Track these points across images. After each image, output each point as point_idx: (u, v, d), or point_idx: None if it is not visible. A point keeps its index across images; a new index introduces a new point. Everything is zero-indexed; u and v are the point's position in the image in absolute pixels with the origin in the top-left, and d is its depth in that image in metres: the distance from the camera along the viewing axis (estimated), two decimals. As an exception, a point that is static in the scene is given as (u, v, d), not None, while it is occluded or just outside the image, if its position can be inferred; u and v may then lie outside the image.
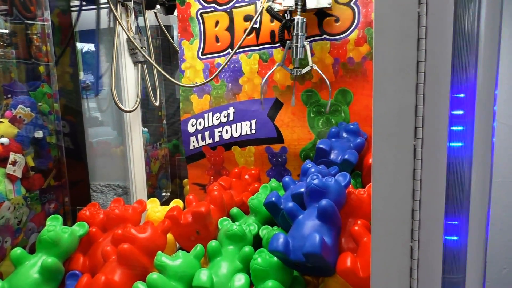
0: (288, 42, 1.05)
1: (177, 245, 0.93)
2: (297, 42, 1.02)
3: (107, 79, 1.33)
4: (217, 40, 1.20)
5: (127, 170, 1.32)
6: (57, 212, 1.23)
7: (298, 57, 1.03)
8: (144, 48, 1.26)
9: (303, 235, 0.67)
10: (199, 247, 0.78)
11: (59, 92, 1.26)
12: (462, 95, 0.48)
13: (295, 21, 1.01)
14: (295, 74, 1.07)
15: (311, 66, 1.06)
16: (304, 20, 1.02)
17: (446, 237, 0.49)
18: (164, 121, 1.84)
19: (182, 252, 0.77)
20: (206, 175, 1.27)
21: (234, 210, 0.96)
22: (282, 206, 0.83)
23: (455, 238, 0.50)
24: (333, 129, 1.06)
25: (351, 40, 1.10)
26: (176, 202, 0.98)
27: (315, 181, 0.72)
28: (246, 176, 1.14)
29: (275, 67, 1.07)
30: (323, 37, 1.10)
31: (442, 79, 0.46)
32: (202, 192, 1.28)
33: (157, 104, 1.33)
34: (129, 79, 1.24)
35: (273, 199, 0.84)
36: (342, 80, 1.13)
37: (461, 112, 0.48)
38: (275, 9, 1.05)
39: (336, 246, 0.69)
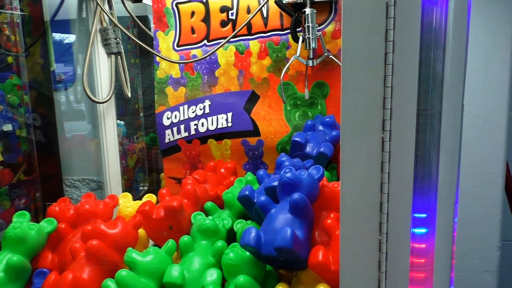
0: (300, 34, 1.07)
1: (150, 241, 0.92)
2: (309, 34, 1.03)
3: (81, 70, 1.30)
4: (193, 31, 1.18)
5: (101, 164, 1.29)
6: (28, 208, 1.19)
7: (312, 47, 1.04)
8: (118, 39, 1.23)
9: (275, 229, 0.66)
10: (170, 242, 0.77)
11: (30, 84, 1.22)
12: (429, 87, 0.48)
13: (306, 13, 1.03)
14: (311, 65, 1.07)
15: (326, 55, 1.07)
16: (315, 11, 1.03)
17: (413, 230, 0.49)
18: (141, 114, 1.81)
19: (154, 248, 0.76)
20: (182, 169, 1.25)
21: (208, 204, 0.95)
22: (255, 200, 0.82)
23: (423, 230, 0.49)
24: (309, 122, 1.06)
25: (327, 32, 1.10)
26: (149, 197, 0.96)
27: (288, 175, 0.72)
28: (222, 170, 1.13)
29: (291, 60, 1.06)
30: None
31: (410, 72, 0.46)
32: (178, 186, 1.26)
33: (130, 95, 1.30)
34: (103, 70, 1.21)
35: (247, 193, 0.83)
36: (318, 72, 1.13)
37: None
38: (284, 1, 1.07)
39: (308, 239, 0.68)
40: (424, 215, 0.49)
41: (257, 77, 1.16)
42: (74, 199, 1.37)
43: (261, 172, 0.89)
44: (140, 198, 1.78)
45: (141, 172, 1.82)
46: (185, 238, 0.78)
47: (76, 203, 1.07)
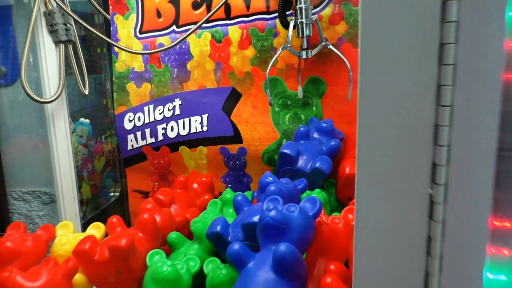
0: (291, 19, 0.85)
1: None
2: (302, 18, 0.82)
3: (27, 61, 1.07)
4: (159, 14, 0.96)
5: (52, 174, 1.08)
6: (-42, 230, 0.98)
7: (306, 34, 0.83)
8: (69, 25, 1.00)
9: (252, 296, 0.46)
10: (112, 301, 0.56)
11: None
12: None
13: None
14: (304, 56, 0.86)
15: (324, 45, 0.85)
16: None
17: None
18: (111, 111, 1.59)
19: (87, 310, 0.55)
20: (149, 181, 1.04)
21: (173, 236, 0.74)
22: (230, 239, 0.62)
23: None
24: (302, 128, 0.85)
25: (324, 16, 0.88)
26: (95, 227, 0.75)
27: (272, 213, 0.51)
28: (195, 185, 0.92)
29: (280, 50, 0.85)
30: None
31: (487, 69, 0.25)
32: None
33: (87, 92, 1.08)
34: (50, 63, 0.99)
35: (218, 229, 0.62)
36: (313, 66, 0.92)
37: None
38: None
39: (299, 309, 0.48)
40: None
41: (238, 71, 0.95)
42: (24, 214, 1.16)
43: (239, 197, 0.68)
44: (108, 208, 1.58)
45: (111, 177, 1.61)
46: (132, 295, 0.57)
47: (25, 220, 0.86)
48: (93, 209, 1.48)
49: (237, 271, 0.52)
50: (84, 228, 1.03)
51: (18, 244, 0.67)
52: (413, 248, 0.32)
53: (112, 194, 1.64)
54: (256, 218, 0.57)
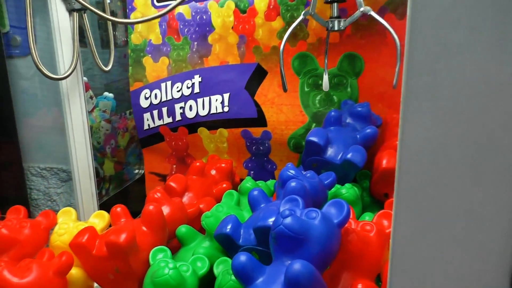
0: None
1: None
2: None
3: (41, 32, 1.01)
4: (178, -20, 0.86)
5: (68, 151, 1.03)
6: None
7: None
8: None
9: (257, 322, 0.38)
10: (103, 306, 0.50)
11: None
12: None
13: None
14: (335, 28, 0.70)
15: (363, 11, 0.67)
16: None
17: None
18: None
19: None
20: (166, 163, 0.97)
21: (182, 229, 0.66)
22: (240, 242, 0.53)
23: None
24: (333, 113, 0.74)
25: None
26: (99, 216, 0.69)
27: (288, 221, 0.42)
28: (213, 171, 0.84)
29: (301, 17, 0.70)
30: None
31: None
32: (162, 185, 0.98)
33: (107, 68, 1.01)
34: (64, 34, 0.92)
35: (228, 229, 0.54)
36: (349, 41, 0.80)
37: None
38: None
39: None
40: None
41: (264, 45, 0.84)
42: (42, 191, 1.13)
43: (255, 192, 0.59)
44: (132, 185, 1.54)
45: (135, 154, 1.56)
46: (127, 300, 0.50)
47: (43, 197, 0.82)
48: (117, 186, 1.45)
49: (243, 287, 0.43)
50: (102, 208, 0.99)
51: (15, 231, 0.62)
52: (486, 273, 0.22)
53: (136, 171, 1.60)
54: (271, 221, 0.48)
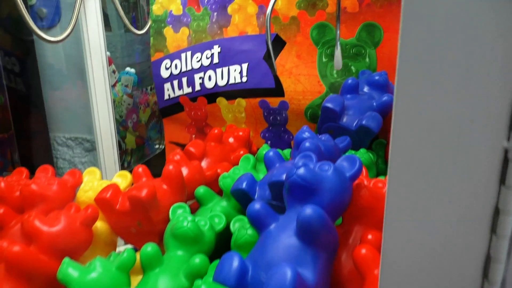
0: None
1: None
2: None
3: (65, 4, 1.04)
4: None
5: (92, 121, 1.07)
6: (3, 170, 1.00)
7: None
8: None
9: (270, 262, 0.40)
10: (126, 253, 0.53)
11: (3, 20, 0.99)
12: None
13: None
14: None
15: None
16: None
17: None
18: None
19: (101, 261, 0.52)
20: (186, 133, 1.00)
21: (201, 190, 0.69)
22: (256, 197, 0.55)
23: None
24: (350, 81, 0.75)
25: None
26: (121, 176, 0.72)
27: (300, 171, 0.44)
28: (231, 139, 0.86)
29: None
30: None
31: None
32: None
33: (143, 31, 1.03)
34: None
35: (244, 186, 0.56)
36: (369, 10, 0.80)
37: None
38: None
39: (324, 283, 0.41)
40: None
41: (283, 15, 0.85)
42: (67, 160, 1.18)
43: (270, 153, 0.61)
44: (152, 159, 1.58)
45: (156, 128, 1.60)
46: (148, 248, 0.53)
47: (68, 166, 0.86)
48: (138, 160, 1.49)
49: (258, 234, 0.46)
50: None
51: (43, 187, 0.65)
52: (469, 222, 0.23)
53: (157, 146, 1.64)
54: (285, 176, 0.50)
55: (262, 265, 0.41)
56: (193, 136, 1.00)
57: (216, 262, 0.50)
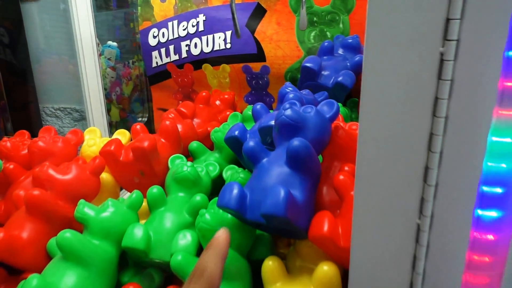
0: None
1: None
2: None
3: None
4: None
5: (82, 92, 1.11)
6: (-4, 139, 1.04)
7: None
8: None
9: (265, 187, 0.48)
10: (135, 194, 0.60)
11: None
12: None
13: None
14: None
15: None
16: None
17: (478, 212, 0.30)
18: (138, 35, 1.59)
19: (113, 201, 0.59)
20: (173, 100, 1.06)
21: (194, 145, 0.76)
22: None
23: (494, 214, 0.30)
24: (326, 44, 0.83)
25: None
26: (120, 133, 0.78)
27: (287, 112, 0.51)
28: (217, 102, 0.93)
29: None
30: None
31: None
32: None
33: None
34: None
35: (236, 133, 0.63)
36: (342, -21, 0.87)
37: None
38: None
39: (310, 203, 0.49)
40: (499, 190, 0.29)
41: (263, -16, 0.91)
42: (56, 130, 1.21)
43: (258, 106, 0.68)
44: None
45: (138, 101, 1.64)
46: (154, 190, 0.60)
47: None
48: (122, 132, 1.53)
49: (252, 167, 0.53)
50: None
51: (49, 144, 0.71)
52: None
53: (140, 119, 1.68)
54: (272, 122, 0.58)
55: (258, 190, 0.48)
56: (180, 102, 1.06)
57: (215, 198, 0.58)
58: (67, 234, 0.52)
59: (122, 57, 1.50)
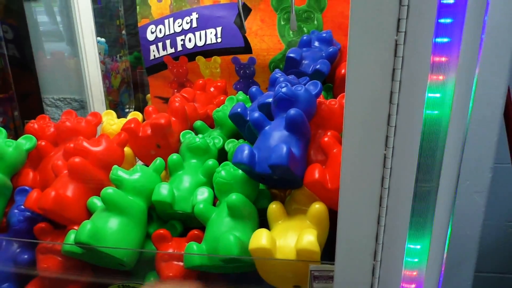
0: None
1: (139, 161, 0.88)
2: None
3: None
4: None
5: (83, 82, 1.22)
6: (6, 127, 1.13)
7: None
8: None
9: (270, 146, 0.63)
10: (158, 160, 0.73)
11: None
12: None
13: None
14: None
15: None
16: None
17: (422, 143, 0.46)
18: (124, 32, 1.69)
19: (141, 166, 0.72)
20: (169, 88, 1.19)
21: (198, 123, 0.90)
22: (248, 118, 0.78)
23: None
24: (305, 37, 0.98)
25: None
26: (134, 115, 0.91)
27: (284, 90, 0.66)
28: (212, 89, 1.07)
29: None
30: None
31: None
32: (165, 106, 1.20)
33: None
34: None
35: (239, 110, 0.78)
36: (316, -17, 1.03)
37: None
38: None
39: (304, 157, 0.65)
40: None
41: (249, -13, 1.06)
42: (56, 119, 1.32)
43: (253, 89, 0.83)
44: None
45: (126, 93, 1.75)
46: (174, 156, 0.74)
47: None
48: (111, 122, 1.63)
49: (257, 134, 0.68)
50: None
51: (75, 124, 0.83)
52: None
53: (127, 110, 1.79)
54: (269, 99, 0.73)
55: (264, 149, 0.63)
56: (175, 90, 1.19)
57: (224, 162, 0.72)
58: (109, 190, 0.65)
59: (110, 51, 1.60)
